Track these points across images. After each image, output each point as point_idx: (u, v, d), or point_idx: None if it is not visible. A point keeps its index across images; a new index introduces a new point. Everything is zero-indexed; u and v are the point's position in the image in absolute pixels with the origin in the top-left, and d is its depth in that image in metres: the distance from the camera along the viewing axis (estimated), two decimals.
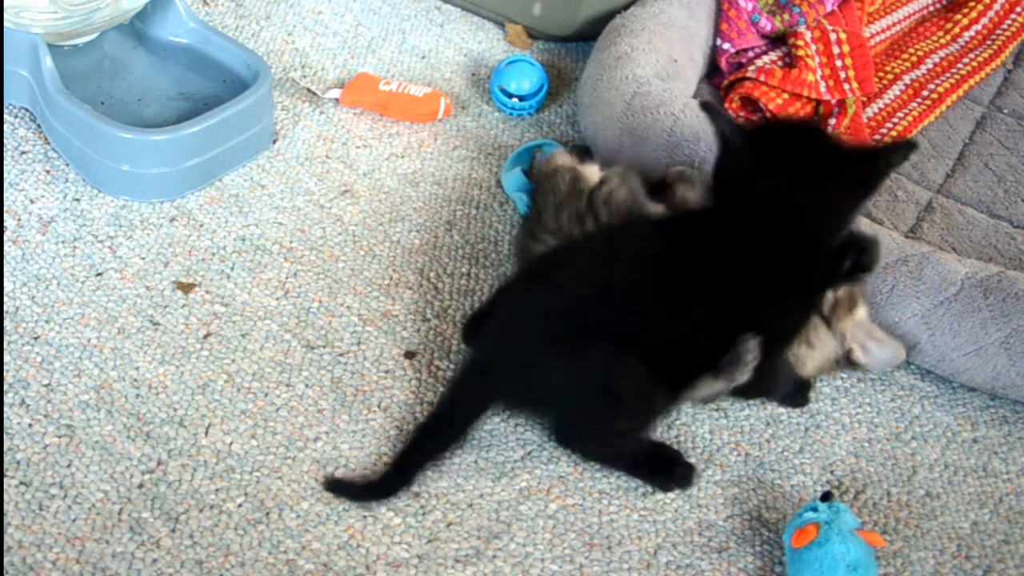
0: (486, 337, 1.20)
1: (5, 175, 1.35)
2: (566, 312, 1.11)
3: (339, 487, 1.12)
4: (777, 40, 1.68)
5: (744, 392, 1.18)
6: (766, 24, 1.65)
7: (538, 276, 1.19)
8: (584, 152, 1.47)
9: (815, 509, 1.09)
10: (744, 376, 1.11)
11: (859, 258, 1.12)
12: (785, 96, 1.56)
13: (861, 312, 1.26)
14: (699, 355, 1.12)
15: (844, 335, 1.25)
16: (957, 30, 1.84)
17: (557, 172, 1.32)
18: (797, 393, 1.26)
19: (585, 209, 1.25)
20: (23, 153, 1.39)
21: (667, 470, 1.17)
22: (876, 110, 1.65)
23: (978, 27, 1.85)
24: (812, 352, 1.24)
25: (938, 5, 1.92)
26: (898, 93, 1.69)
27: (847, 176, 1.13)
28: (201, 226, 1.35)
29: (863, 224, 1.35)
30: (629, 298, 1.10)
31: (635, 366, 1.08)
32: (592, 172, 1.32)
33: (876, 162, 1.14)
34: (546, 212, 1.29)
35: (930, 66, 1.75)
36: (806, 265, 1.13)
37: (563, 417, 1.17)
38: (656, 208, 1.29)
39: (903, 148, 1.15)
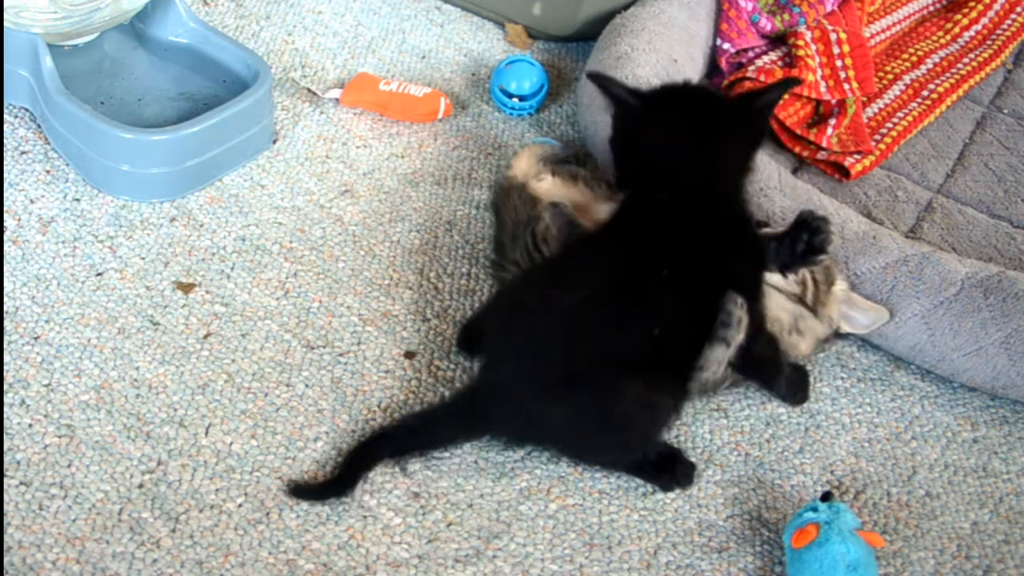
0: (478, 378, 1.19)
1: (5, 175, 1.35)
2: (548, 346, 1.10)
3: (300, 491, 1.11)
4: (777, 40, 1.68)
5: (752, 366, 1.18)
6: (766, 24, 1.65)
7: (516, 306, 1.18)
8: (566, 160, 1.44)
9: (815, 509, 1.09)
10: (739, 334, 1.11)
11: (812, 239, 1.14)
12: (785, 96, 1.56)
13: (840, 287, 1.28)
14: (685, 342, 1.12)
15: (831, 317, 1.26)
16: (957, 30, 1.84)
17: (511, 194, 1.30)
18: (797, 390, 1.27)
19: (532, 246, 1.23)
20: (23, 153, 1.39)
21: (669, 469, 1.17)
22: (876, 110, 1.65)
23: (978, 27, 1.85)
24: (803, 338, 1.25)
25: (938, 5, 1.92)
26: (898, 93, 1.69)
27: (735, 116, 1.20)
28: (201, 226, 1.35)
29: (862, 223, 1.35)
30: (602, 316, 1.10)
31: (631, 384, 1.08)
32: (547, 189, 1.30)
33: (758, 97, 1.20)
34: (507, 244, 1.27)
35: (930, 66, 1.75)
36: (724, 213, 1.16)
37: (572, 448, 1.17)
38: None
39: (783, 84, 1.25)
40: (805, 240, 1.15)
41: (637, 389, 1.08)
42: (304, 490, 1.11)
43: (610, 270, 1.13)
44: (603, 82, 1.21)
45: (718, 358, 1.12)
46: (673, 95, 1.23)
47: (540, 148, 1.42)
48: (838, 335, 1.29)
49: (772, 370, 1.23)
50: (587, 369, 1.09)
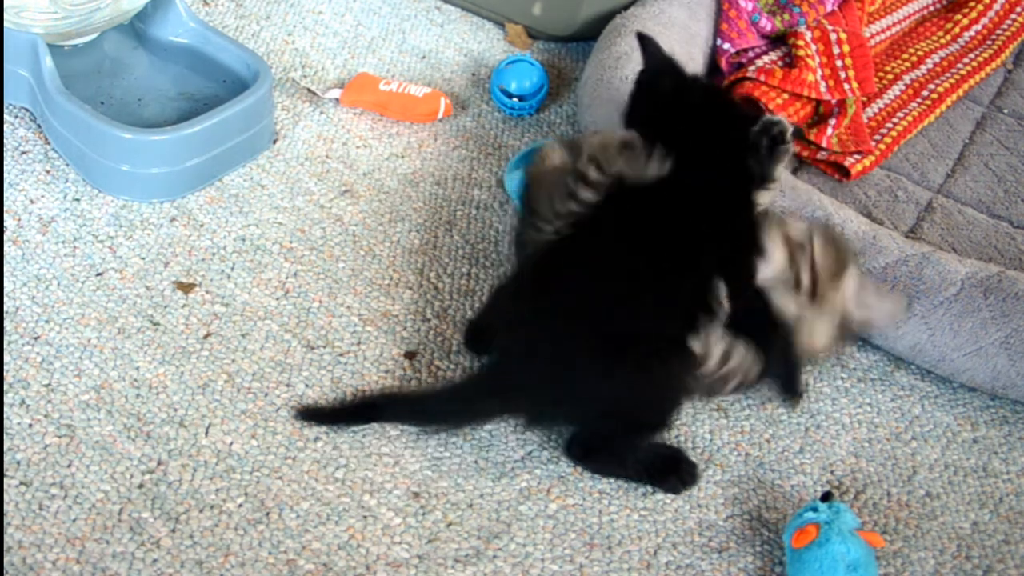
0: (505, 355, 1.17)
1: (5, 175, 1.35)
2: (582, 318, 1.11)
3: (308, 414, 1.16)
4: (777, 40, 1.68)
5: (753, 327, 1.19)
6: (766, 24, 1.65)
7: (546, 282, 1.17)
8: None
9: (815, 509, 1.09)
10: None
11: (772, 137, 1.19)
12: (785, 96, 1.56)
13: (851, 279, 1.24)
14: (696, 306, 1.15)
15: (836, 309, 1.23)
16: (957, 30, 1.84)
17: (553, 172, 1.29)
18: (792, 381, 1.25)
19: (573, 184, 1.21)
20: (23, 153, 1.39)
21: (674, 470, 1.17)
22: (876, 110, 1.65)
23: (978, 27, 1.85)
24: (812, 336, 1.23)
25: (938, 5, 1.92)
26: (898, 93, 1.69)
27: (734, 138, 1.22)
28: (201, 226, 1.35)
29: (863, 223, 1.35)
30: (629, 285, 1.12)
31: (671, 353, 1.11)
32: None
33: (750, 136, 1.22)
34: (540, 205, 1.25)
35: (930, 66, 1.75)
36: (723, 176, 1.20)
37: (602, 421, 1.16)
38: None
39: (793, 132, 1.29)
40: (767, 144, 1.19)
41: (677, 358, 1.11)
42: (312, 413, 1.16)
43: (629, 237, 1.15)
44: (648, 45, 1.29)
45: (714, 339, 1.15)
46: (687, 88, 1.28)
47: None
48: (857, 328, 1.27)
49: (773, 336, 1.22)
50: (625, 339, 1.09)
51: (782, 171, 1.23)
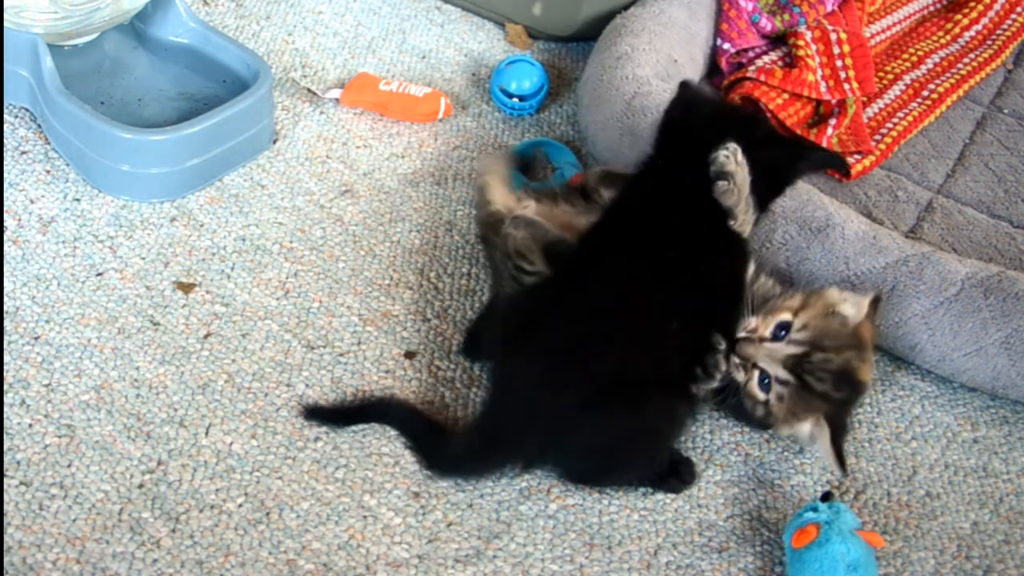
0: (497, 407, 1.14)
1: (5, 175, 1.35)
2: (569, 361, 1.08)
3: (313, 413, 1.17)
4: (777, 40, 1.68)
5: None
6: (766, 24, 1.65)
7: (527, 324, 1.13)
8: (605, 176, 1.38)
9: (815, 509, 1.09)
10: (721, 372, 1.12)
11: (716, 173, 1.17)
12: (785, 96, 1.56)
13: (807, 425, 1.18)
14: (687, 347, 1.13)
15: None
16: (957, 30, 1.84)
17: (496, 227, 1.26)
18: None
19: (515, 269, 1.20)
20: (23, 153, 1.39)
21: (674, 472, 1.17)
22: (876, 110, 1.65)
23: (978, 27, 1.85)
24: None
25: (938, 5, 1.92)
26: (898, 93, 1.69)
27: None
28: (201, 226, 1.35)
29: (863, 223, 1.35)
30: (616, 327, 1.10)
31: (654, 392, 1.09)
32: (532, 214, 1.25)
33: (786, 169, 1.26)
34: (501, 270, 1.24)
35: (930, 66, 1.75)
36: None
37: (596, 465, 1.15)
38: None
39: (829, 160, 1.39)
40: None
41: (660, 397, 1.09)
42: (316, 412, 1.17)
43: (615, 277, 1.13)
44: (689, 93, 1.28)
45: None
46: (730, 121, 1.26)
47: (502, 168, 1.38)
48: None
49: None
50: (613, 382, 1.08)
51: (744, 206, 1.17)
